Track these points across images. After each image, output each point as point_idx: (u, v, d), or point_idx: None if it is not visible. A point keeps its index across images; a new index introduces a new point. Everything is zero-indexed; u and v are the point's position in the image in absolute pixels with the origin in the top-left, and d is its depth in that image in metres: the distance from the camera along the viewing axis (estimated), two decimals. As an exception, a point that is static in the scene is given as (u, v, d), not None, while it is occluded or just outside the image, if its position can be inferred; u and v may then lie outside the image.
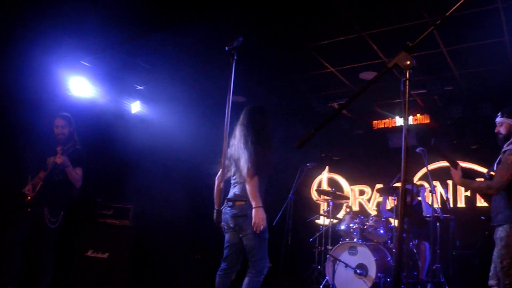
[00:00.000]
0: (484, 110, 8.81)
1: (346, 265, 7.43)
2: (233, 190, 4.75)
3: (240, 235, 4.62)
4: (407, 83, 2.40)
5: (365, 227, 8.03)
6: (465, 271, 8.07)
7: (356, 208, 11.06)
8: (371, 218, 8.16)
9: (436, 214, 7.89)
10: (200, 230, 9.17)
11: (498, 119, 4.93)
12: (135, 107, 9.34)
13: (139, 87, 9.24)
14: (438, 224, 8.08)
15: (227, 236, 4.78)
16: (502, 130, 4.84)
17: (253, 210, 4.46)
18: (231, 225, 4.63)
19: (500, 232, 4.59)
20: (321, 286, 7.88)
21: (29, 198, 5.90)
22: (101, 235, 7.80)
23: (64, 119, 6.28)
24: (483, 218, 5.09)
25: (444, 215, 8.16)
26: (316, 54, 7.83)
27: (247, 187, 4.53)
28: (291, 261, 8.94)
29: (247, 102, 9.88)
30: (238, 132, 4.84)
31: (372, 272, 7.25)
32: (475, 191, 4.68)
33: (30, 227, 5.91)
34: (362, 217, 8.24)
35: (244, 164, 4.52)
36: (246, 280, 4.64)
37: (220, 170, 3.94)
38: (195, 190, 9.47)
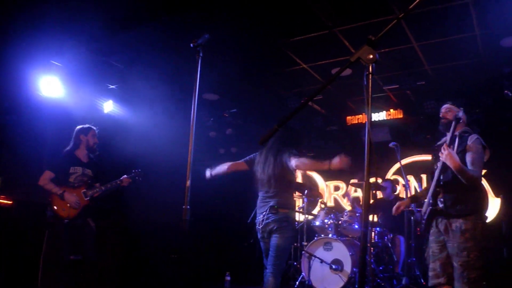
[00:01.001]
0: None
1: (322, 261, 7.44)
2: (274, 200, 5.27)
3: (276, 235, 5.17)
4: (370, 77, 2.40)
5: (340, 222, 8.04)
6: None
7: (331, 203, 11.11)
8: (345, 214, 8.19)
9: (410, 208, 7.94)
10: (176, 229, 9.11)
11: (446, 105, 4.98)
12: (108, 106, 9.23)
13: (112, 86, 9.14)
14: (412, 218, 8.14)
15: (263, 244, 5.38)
16: (449, 115, 4.83)
17: None
18: (273, 228, 5.18)
19: (461, 224, 4.42)
20: (297, 282, 7.89)
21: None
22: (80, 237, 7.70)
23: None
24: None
25: (419, 209, 8.21)
26: (288, 51, 7.82)
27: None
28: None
29: (220, 100, 9.86)
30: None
31: (348, 267, 7.29)
32: (465, 178, 4.33)
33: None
34: (337, 213, 8.26)
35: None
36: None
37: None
38: (170, 189, 9.40)
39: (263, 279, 5.32)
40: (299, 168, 5.35)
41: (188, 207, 3.28)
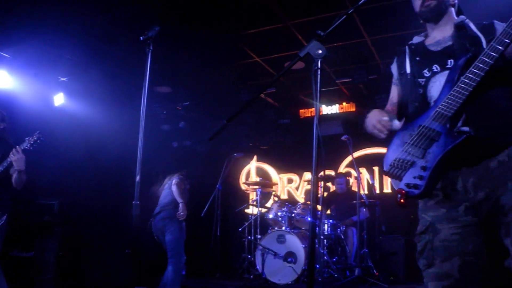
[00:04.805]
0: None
1: (275, 254, 7.48)
2: None
3: None
4: (318, 72, 2.40)
5: (293, 215, 8.10)
6: (391, 255, 8.27)
7: (285, 196, 11.17)
8: (298, 206, 8.24)
9: (362, 200, 8.04)
10: (129, 224, 9.00)
11: None
12: (58, 99, 9.03)
13: (63, 79, 8.95)
14: (364, 209, 8.26)
15: None
16: None
17: None
18: None
19: None
20: (252, 275, 7.91)
21: None
22: (25, 233, 7.53)
23: None
24: None
25: (370, 201, 8.33)
26: (242, 44, 7.80)
27: None
28: (221, 251, 8.94)
29: (172, 92, 9.77)
30: None
31: (301, 259, 7.34)
32: None
33: None
34: (290, 205, 8.30)
35: None
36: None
37: None
38: (122, 183, 9.28)
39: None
40: None
41: (138, 202, 3.24)
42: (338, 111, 10.11)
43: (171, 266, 6.29)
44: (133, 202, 3.24)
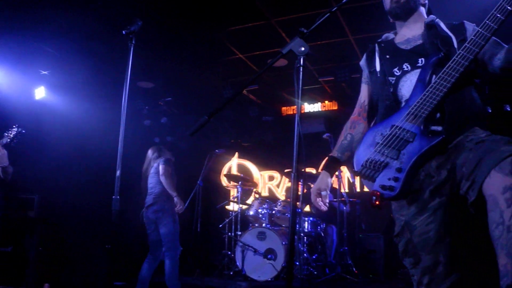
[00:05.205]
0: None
1: (255, 251, 7.48)
2: None
3: None
4: (301, 70, 2.41)
5: (274, 212, 8.11)
6: (370, 253, 8.31)
7: (265, 193, 11.18)
8: (279, 203, 8.26)
9: (342, 199, 8.08)
10: (109, 219, 8.94)
11: None
12: (40, 92, 8.95)
13: (44, 72, 8.87)
14: (344, 208, 8.29)
15: None
16: None
17: None
18: None
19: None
20: (232, 272, 7.91)
21: None
22: (3, 228, 7.46)
23: None
24: None
25: (351, 199, 8.37)
26: (225, 40, 7.79)
27: None
28: (201, 248, 8.92)
29: (155, 88, 9.73)
30: None
31: (281, 256, 7.35)
32: None
33: None
34: (270, 203, 8.31)
35: None
36: None
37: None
38: (103, 178, 9.22)
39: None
40: None
41: (118, 197, 3.22)
42: (320, 109, 10.13)
43: (168, 260, 6.30)
44: (113, 197, 3.22)
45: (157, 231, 6.43)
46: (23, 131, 6.01)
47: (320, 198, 2.95)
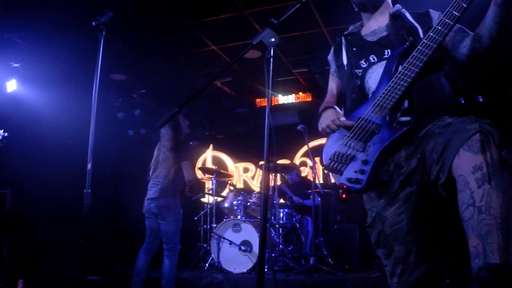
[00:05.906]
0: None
1: (231, 243, 7.49)
2: None
3: None
4: (271, 61, 2.39)
5: (248, 204, 8.11)
6: (345, 244, 8.36)
7: (240, 185, 11.18)
8: (254, 195, 8.26)
9: (317, 190, 8.11)
10: (82, 213, 8.85)
11: None
12: (11, 85, 8.81)
13: (15, 65, 8.73)
14: (319, 199, 8.32)
15: None
16: None
17: None
18: None
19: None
20: (207, 264, 7.91)
21: None
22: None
23: None
24: None
25: (325, 191, 8.40)
26: (198, 32, 7.74)
27: None
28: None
29: (128, 80, 9.65)
30: None
31: (256, 248, 7.35)
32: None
33: None
34: (245, 194, 8.32)
35: None
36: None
37: None
38: (76, 171, 9.12)
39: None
40: None
41: (89, 190, 3.18)
42: (294, 101, 10.14)
43: (168, 260, 6.11)
44: (84, 190, 3.18)
45: (158, 223, 6.19)
46: (9, 135, 5.93)
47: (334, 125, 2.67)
